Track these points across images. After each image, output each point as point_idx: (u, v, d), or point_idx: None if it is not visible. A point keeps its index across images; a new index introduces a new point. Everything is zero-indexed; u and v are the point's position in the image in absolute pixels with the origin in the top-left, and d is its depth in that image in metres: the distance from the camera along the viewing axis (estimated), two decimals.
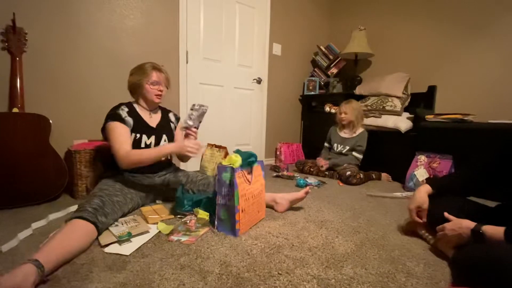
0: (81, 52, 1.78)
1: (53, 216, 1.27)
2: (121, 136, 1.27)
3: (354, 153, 2.25)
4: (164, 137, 1.46)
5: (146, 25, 2.03)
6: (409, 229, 1.22)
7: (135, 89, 1.40)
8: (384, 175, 2.26)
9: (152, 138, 1.41)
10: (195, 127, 1.30)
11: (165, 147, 1.32)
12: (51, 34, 1.66)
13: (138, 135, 1.36)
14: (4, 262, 0.87)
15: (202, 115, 1.29)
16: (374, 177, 2.24)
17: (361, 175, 2.08)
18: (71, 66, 1.75)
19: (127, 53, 1.95)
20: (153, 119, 1.47)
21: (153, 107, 1.47)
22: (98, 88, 1.85)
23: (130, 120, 1.33)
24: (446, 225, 0.96)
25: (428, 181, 1.19)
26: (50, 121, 1.51)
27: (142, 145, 1.37)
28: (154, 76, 1.37)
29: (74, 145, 1.66)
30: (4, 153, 1.36)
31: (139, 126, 1.38)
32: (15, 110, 1.48)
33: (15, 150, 1.39)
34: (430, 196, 1.11)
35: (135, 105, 1.43)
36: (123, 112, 1.33)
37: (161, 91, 1.39)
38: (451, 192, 1.12)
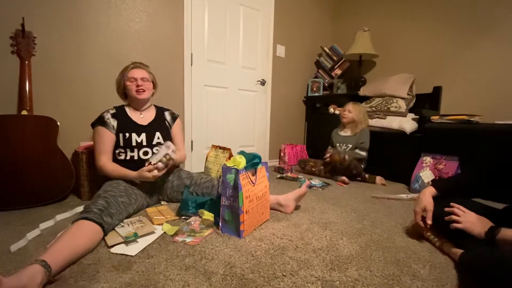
0: (88, 55, 1.81)
1: (60, 217, 1.29)
2: (102, 145, 1.37)
3: (357, 150, 2.23)
4: (158, 134, 1.48)
5: (151, 28, 2.06)
6: (415, 231, 1.21)
7: (121, 91, 1.48)
8: (378, 178, 2.19)
9: (143, 136, 1.43)
10: (157, 163, 1.32)
11: (129, 174, 1.32)
12: (59, 38, 1.70)
13: (127, 134, 1.39)
14: (13, 262, 0.89)
15: (163, 154, 1.34)
16: (367, 178, 2.19)
17: (349, 161, 2.09)
18: (78, 69, 1.78)
19: (133, 56, 1.97)
20: (145, 118, 1.49)
21: (140, 105, 1.49)
22: (104, 91, 1.88)
23: (112, 121, 1.39)
24: (469, 212, 0.95)
25: (433, 182, 1.18)
26: (58, 123, 1.54)
27: (133, 143, 1.40)
28: (130, 73, 1.43)
29: (81, 146, 1.68)
30: (13, 154, 1.39)
31: (127, 126, 1.41)
32: (24, 112, 1.51)
33: (24, 152, 1.42)
34: (435, 198, 1.10)
35: (126, 108, 1.48)
36: (107, 114, 1.41)
37: (139, 86, 1.42)
38: (456, 194, 1.11)
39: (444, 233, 1.07)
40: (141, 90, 1.43)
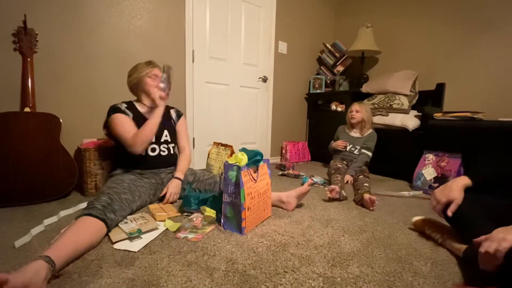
0: (90, 52, 1.81)
1: (64, 213, 1.30)
2: (125, 125, 1.36)
3: (363, 150, 2.16)
4: (165, 132, 1.51)
5: (152, 25, 2.05)
6: (417, 228, 1.21)
7: (137, 87, 1.48)
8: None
9: None
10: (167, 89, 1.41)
11: (155, 111, 1.38)
12: (61, 35, 1.70)
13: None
14: (18, 257, 0.90)
15: (169, 77, 1.41)
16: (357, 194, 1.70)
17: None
18: (80, 66, 1.79)
19: (135, 53, 1.97)
20: None
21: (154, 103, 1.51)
22: (107, 88, 1.88)
23: (129, 112, 1.42)
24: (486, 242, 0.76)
25: (469, 174, 1.03)
26: (61, 120, 1.54)
27: None
28: (153, 70, 1.45)
29: (84, 143, 1.69)
30: (16, 151, 1.40)
31: (139, 121, 1.42)
32: (26, 109, 1.52)
33: (27, 149, 1.42)
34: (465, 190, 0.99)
35: (136, 103, 1.50)
36: (122, 105, 1.43)
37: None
38: (490, 187, 1.00)
39: (456, 230, 1.03)
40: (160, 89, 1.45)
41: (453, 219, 1.01)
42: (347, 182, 1.97)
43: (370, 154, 2.15)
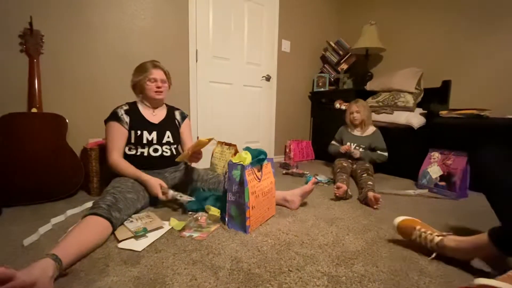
0: (94, 53, 1.83)
1: (70, 212, 1.32)
2: (115, 140, 1.38)
3: (379, 152, 2.16)
4: (168, 133, 1.51)
5: (156, 25, 2.06)
6: (402, 231, 1.07)
7: (137, 87, 1.48)
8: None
9: (154, 134, 1.45)
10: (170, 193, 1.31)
11: (144, 177, 1.31)
12: (66, 36, 1.71)
13: (138, 132, 1.41)
14: (26, 256, 0.92)
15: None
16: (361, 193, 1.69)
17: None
18: (85, 67, 1.80)
19: (138, 53, 1.98)
20: (157, 116, 1.51)
21: (155, 104, 1.52)
22: (112, 88, 1.90)
23: (126, 118, 1.41)
24: None
25: None
26: (67, 121, 1.56)
27: (144, 140, 1.42)
28: (152, 73, 1.43)
29: (90, 143, 1.71)
30: (23, 151, 1.42)
31: (139, 123, 1.43)
32: (33, 110, 1.54)
33: (34, 149, 1.45)
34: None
35: (139, 104, 1.50)
36: (121, 110, 1.42)
37: (159, 87, 1.44)
38: None
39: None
40: (160, 92, 1.45)
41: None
42: (351, 151, 2.12)
43: (386, 154, 2.17)
